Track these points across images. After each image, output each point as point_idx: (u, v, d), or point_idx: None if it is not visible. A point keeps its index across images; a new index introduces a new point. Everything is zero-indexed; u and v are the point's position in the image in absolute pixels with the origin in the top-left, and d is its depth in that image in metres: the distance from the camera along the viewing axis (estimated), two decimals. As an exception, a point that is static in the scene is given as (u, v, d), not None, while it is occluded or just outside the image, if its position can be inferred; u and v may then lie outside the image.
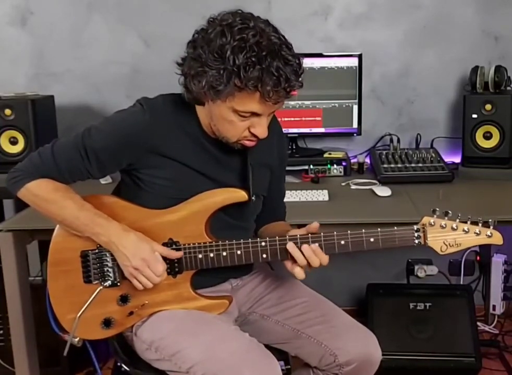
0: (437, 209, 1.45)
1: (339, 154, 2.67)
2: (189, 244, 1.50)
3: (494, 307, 2.82)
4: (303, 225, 1.52)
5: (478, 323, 2.68)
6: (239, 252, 1.49)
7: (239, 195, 1.51)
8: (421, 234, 1.46)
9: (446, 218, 1.45)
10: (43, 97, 2.62)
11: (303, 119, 2.68)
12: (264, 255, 1.49)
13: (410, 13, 2.75)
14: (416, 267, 2.77)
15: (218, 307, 1.55)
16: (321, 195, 2.25)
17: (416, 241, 1.46)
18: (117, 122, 1.50)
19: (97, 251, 1.52)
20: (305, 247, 1.44)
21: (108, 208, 1.51)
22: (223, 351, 1.41)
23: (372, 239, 1.46)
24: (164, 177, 1.50)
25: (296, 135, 2.72)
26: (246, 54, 1.30)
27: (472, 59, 2.67)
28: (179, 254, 1.49)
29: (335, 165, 2.59)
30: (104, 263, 1.52)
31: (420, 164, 2.55)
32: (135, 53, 2.79)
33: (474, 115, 2.50)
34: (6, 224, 2.01)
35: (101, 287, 1.50)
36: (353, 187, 2.43)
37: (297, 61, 1.37)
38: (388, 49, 2.78)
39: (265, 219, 1.71)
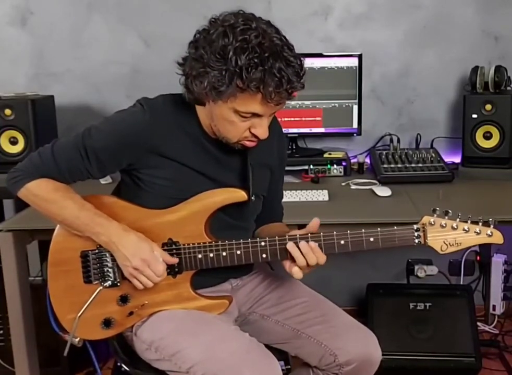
0: (437, 208, 1.45)
1: (339, 154, 2.66)
2: (188, 244, 1.50)
3: (494, 307, 2.82)
4: (303, 225, 1.52)
5: (478, 323, 2.68)
6: (238, 252, 1.49)
7: (239, 194, 1.51)
8: (421, 234, 1.46)
9: (446, 217, 1.45)
10: (43, 97, 2.62)
11: (303, 119, 2.68)
12: (264, 255, 1.49)
13: (410, 13, 2.75)
14: (416, 267, 2.77)
15: (218, 307, 1.55)
16: (321, 195, 2.25)
17: (416, 240, 1.46)
18: (117, 122, 1.50)
19: (97, 251, 1.52)
20: (302, 243, 1.44)
21: (107, 208, 1.51)
22: (223, 351, 1.41)
23: (371, 239, 1.46)
24: (164, 177, 1.50)
25: (296, 135, 2.72)
26: (248, 55, 1.30)
27: (472, 59, 2.67)
28: (175, 260, 1.49)
29: (335, 165, 2.59)
30: (104, 264, 1.52)
31: (420, 164, 2.55)
32: (135, 53, 2.79)
33: (474, 115, 2.50)
34: (6, 224, 2.01)
35: (101, 287, 1.50)
36: (353, 187, 2.43)
37: (299, 62, 1.37)
38: (388, 49, 2.78)
39: (262, 220, 1.71)
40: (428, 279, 2.75)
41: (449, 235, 1.45)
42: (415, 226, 1.46)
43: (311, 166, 2.57)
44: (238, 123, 1.41)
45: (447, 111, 2.83)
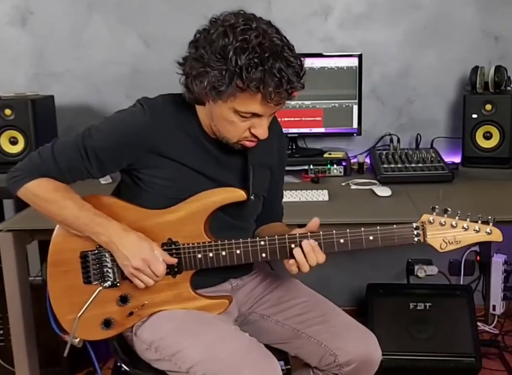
0: (436, 206, 1.45)
1: (339, 154, 2.66)
2: (188, 244, 1.50)
3: (494, 307, 2.82)
4: (303, 225, 1.52)
5: (478, 323, 2.67)
6: (238, 251, 1.49)
7: (238, 194, 1.51)
8: (420, 232, 1.46)
9: (445, 216, 1.45)
10: (43, 97, 2.62)
11: (303, 119, 2.68)
12: (264, 255, 1.49)
13: (410, 13, 2.75)
14: (416, 267, 2.77)
15: (218, 306, 1.55)
16: (321, 195, 2.25)
17: (416, 239, 1.46)
18: (117, 122, 1.50)
19: (96, 251, 1.52)
20: (305, 242, 1.45)
21: (107, 208, 1.51)
22: (223, 351, 1.41)
23: (371, 238, 1.46)
24: (164, 177, 1.50)
25: (296, 135, 2.72)
26: (248, 55, 1.30)
27: (472, 59, 2.67)
28: (174, 260, 1.49)
29: (335, 165, 2.59)
30: (104, 264, 1.52)
31: (420, 164, 2.55)
32: (135, 53, 2.79)
33: (474, 115, 2.50)
34: (6, 224, 2.01)
35: (101, 288, 1.50)
36: (353, 187, 2.43)
37: (299, 63, 1.37)
38: (388, 49, 2.78)
39: (262, 220, 1.71)
40: (428, 279, 2.75)
41: (449, 233, 1.45)
42: (414, 225, 1.46)
43: (311, 166, 2.57)
44: (238, 123, 1.41)
45: (447, 111, 2.83)
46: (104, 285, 1.51)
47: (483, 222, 1.44)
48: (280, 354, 1.64)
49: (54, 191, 1.48)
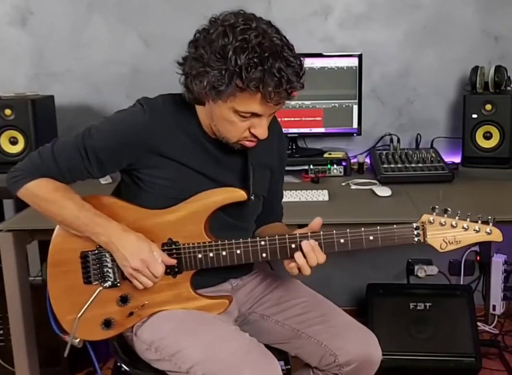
0: (436, 206, 1.45)
1: (339, 154, 2.67)
2: (188, 244, 1.50)
3: (494, 307, 2.82)
4: (303, 225, 1.52)
5: (478, 323, 2.67)
6: (238, 251, 1.49)
7: (238, 194, 1.51)
8: (420, 232, 1.46)
9: (445, 216, 1.45)
10: (43, 97, 2.62)
11: (303, 119, 2.68)
12: (264, 255, 1.49)
13: (410, 13, 2.75)
14: (416, 267, 2.77)
15: (218, 306, 1.55)
16: (321, 195, 2.25)
17: (416, 239, 1.47)
18: (117, 122, 1.50)
19: (96, 252, 1.52)
20: (304, 242, 1.45)
21: (107, 208, 1.51)
22: (223, 351, 1.41)
23: (371, 238, 1.46)
24: (164, 177, 1.50)
25: (296, 135, 2.72)
26: (248, 55, 1.30)
27: (472, 59, 2.67)
28: (172, 261, 1.49)
29: (335, 165, 2.59)
30: (104, 264, 1.52)
31: (420, 164, 2.55)
32: (135, 53, 2.79)
33: (474, 115, 2.51)
34: (6, 224, 2.01)
35: (101, 288, 1.50)
36: (353, 187, 2.43)
37: (298, 62, 1.37)
38: (388, 49, 2.78)
39: (262, 220, 1.71)
40: (428, 279, 2.75)
41: (449, 233, 1.45)
42: (414, 225, 1.46)
43: (311, 166, 2.57)
44: (238, 123, 1.41)
45: (447, 111, 2.84)
46: (104, 285, 1.51)
47: (483, 222, 1.45)
48: (280, 354, 1.64)
49: (54, 191, 1.48)
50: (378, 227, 1.46)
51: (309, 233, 1.47)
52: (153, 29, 2.77)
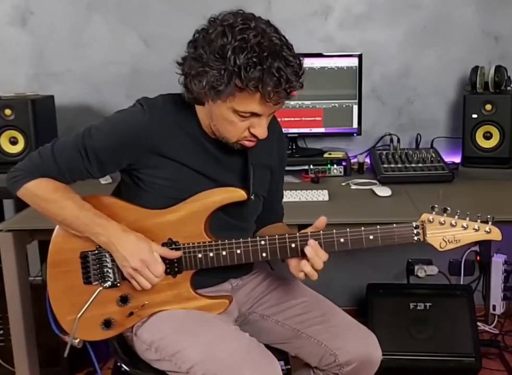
0: (436, 205, 1.45)
1: (339, 154, 2.66)
2: (188, 244, 1.50)
3: (494, 307, 2.82)
4: (303, 225, 1.52)
5: (478, 323, 2.67)
6: (238, 251, 1.49)
7: (238, 194, 1.51)
8: (420, 231, 1.46)
9: (445, 215, 1.45)
10: (43, 97, 2.63)
11: (303, 119, 2.68)
12: (264, 254, 1.49)
13: (410, 13, 2.75)
14: (416, 267, 2.77)
15: (218, 306, 1.55)
16: (321, 195, 2.25)
17: (416, 238, 1.47)
18: (117, 122, 1.50)
19: (96, 252, 1.52)
20: (307, 249, 1.45)
21: (107, 208, 1.51)
22: (224, 351, 1.41)
23: (371, 237, 1.47)
24: (164, 177, 1.50)
25: (296, 135, 2.72)
26: (247, 54, 1.30)
27: (472, 59, 2.67)
28: (178, 254, 1.49)
29: (335, 165, 2.59)
30: (104, 264, 1.52)
31: (420, 164, 2.55)
32: (135, 53, 2.79)
33: (474, 115, 2.50)
34: (6, 224, 2.01)
35: (101, 288, 1.50)
36: (353, 187, 2.43)
37: (298, 62, 1.37)
38: (388, 49, 2.78)
39: (263, 220, 1.71)
40: (428, 279, 2.75)
41: (448, 232, 1.45)
42: (414, 224, 1.47)
43: (311, 166, 2.57)
44: (237, 123, 1.41)
45: (447, 111, 2.84)
46: (104, 285, 1.51)
47: (482, 221, 1.45)
48: (280, 354, 1.64)
49: (54, 191, 1.48)
50: (378, 227, 1.47)
51: (309, 232, 1.47)
52: (153, 29, 2.77)
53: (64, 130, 2.69)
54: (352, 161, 2.70)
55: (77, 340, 1.53)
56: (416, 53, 2.79)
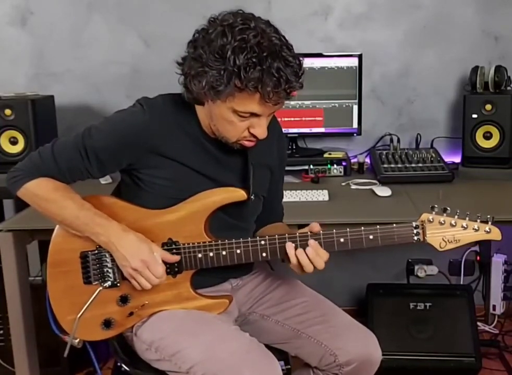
0: (436, 205, 1.45)
1: (339, 154, 2.66)
2: (188, 244, 1.50)
3: (494, 307, 2.82)
4: (303, 225, 1.52)
5: (478, 323, 2.67)
6: (238, 251, 1.49)
7: (238, 194, 1.51)
8: (420, 231, 1.46)
9: (445, 215, 1.45)
10: (43, 97, 2.63)
11: (303, 119, 2.68)
12: (264, 254, 1.49)
13: (410, 13, 2.75)
14: (416, 267, 2.77)
15: (218, 306, 1.55)
16: (321, 195, 2.25)
17: (415, 238, 1.47)
18: (117, 122, 1.50)
19: (96, 252, 1.52)
20: (308, 250, 1.45)
21: (107, 208, 1.51)
22: (224, 351, 1.41)
23: (371, 237, 1.47)
24: (164, 177, 1.50)
25: (296, 135, 2.72)
26: (247, 55, 1.30)
27: (472, 59, 2.67)
28: (177, 258, 1.49)
29: (335, 165, 2.59)
30: (104, 264, 1.52)
31: (420, 164, 2.55)
32: (135, 53, 2.79)
33: (474, 115, 2.50)
34: (6, 224, 2.01)
35: (101, 288, 1.50)
36: (353, 187, 2.43)
37: (297, 62, 1.37)
38: (388, 49, 2.78)
39: (263, 220, 1.71)
40: (428, 279, 2.75)
41: (448, 232, 1.45)
42: (414, 224, 1.47)
43: (311, 166, 2.57)
44: (237, 123, 1.41)
45: (447, 111, 2.84)
46: (104, 285, 1.51)
47: (482, 221, 1.45)
48: (280, 354, 1.64)
49: (54, 191, 1.48)
50: (378, 226, 1.47)
51: (309, 232, 1.47)
52: (153, 29, 2.77)
53: (64, 130, 2.69)
54: (352, 161, 2.70)
55: (77, 340, 1.53)
56: (416, 53, 2.79)
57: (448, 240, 1.45)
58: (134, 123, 1.47)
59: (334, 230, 1.47)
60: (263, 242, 1.49)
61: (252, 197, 1.55)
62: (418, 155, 2.59)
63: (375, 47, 2.76)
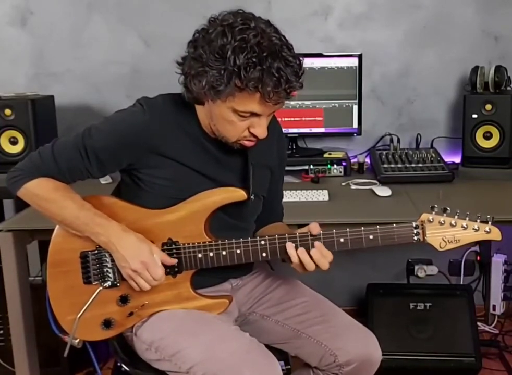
0: (436, 205, 1.45)
1: (339, 154, 2.66)
2: (188, 244, 1.50)
3: (494, 307, 2.82)
4: (303, 225, 1.52)
5: (478, 323, 2.67)
6: (238, 251, 1.49)
7: (238, 194, 1.51)
8: (420, 231, 1.46)
9: (445, 215, 1.45)
10: (43, 97, 2.63)
11: (303, 119, 2.68)
12: (264, 254, 1.49)
13: (410, 13, 2.75)
14: (416, 267, 2.77)
15: (218, 306, 1.55)
16: (321, 195, 2.25)
17: (415, 238, 1.47)
18: (117, 121, 1.50)
19: (96, 252, 1.52)
20: (313, 252, 1.45)
21: (107, 208, 1.51)
22: (224, 351, 1.41)
23: (371, 237, 1.47)
24: (164, 177, 1.50)
25: (296, 135, 2.72)
26: (247, 54, 1.31)
27: (472, 59, 2.67)
28: (174, 261, 1.49)
29: (335, 165, 2.59)
30: (104, 264, 1.52)
31: (420, 164, 2.55)
32: (135, 53, 2.79)
33: (474, 115, 2.50)
34: (6, 224, 2.01)
35: (101, 288, 1.50)
36: (353, 187, 2.43)
37: (297, 62, 1.37)
38: (388, 49, 2.78)
39: (263, 220, 1.71)
40: (428, 279, 2.75)
41: (448, 232, 1.45)
42: (414, 224, 1.47)
43: (311, 166, 2.57)
44: (237, 123, 1.41)
45: (447, 111, 2.84)
46: (104, 285, 1.51)
47: (482, 221, 1.45)
48: (280, 354, 1.64)
49: (54, 191, 1.48)
50: (378, 226, 1.47)
51: (309, 232, 1.47)
52: (153, 29, 2.77)
53: (64, 130, 2.69)
54: (352, 161, 2.70)
55: (77, 340, 1.53)
56: (416, 53, 2.79)
57: (448, 240, 1.45)
58: (134, 123, 1.47)
59: (334, 230, 1.47)
60: (263, 242, 1.49)
61: (252, 197, 1.55)
62: (418, 155, 2.59)
63: (375, 47, 2.76)
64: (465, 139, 2.55)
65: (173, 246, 1.50)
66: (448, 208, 1.45)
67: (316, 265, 1.45)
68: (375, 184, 2.43)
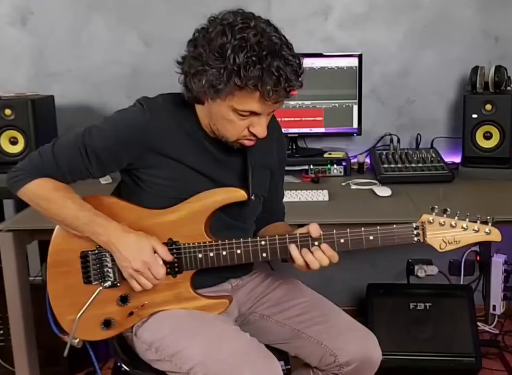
0: (436, 206, 1.45)
1: (339, 154, 2.66)
2: (188, 244, 1.50)
3: (494, 307, 2.82)
4: (303, 226, 1.52)
5: (478, 323, 2.67)
6: (238, 251, 1.49)
7: (238, 194, 1.51)
8: (420, 232, 1.46)
9: (445, 216, 1.45)
10: (43, 97, 2.63)
11: (303, 119, 2.68)
12: (264, 254, 1.49)
13: (410, 13, 2.75)
14: (416, 267, 2.78)
15: (218, 306, 1.55)
16: (321, 195, 2.25)
17: (415, 238, 1.47)
18: (117, 121, 1.50)
19: (96, 251, 1.52)
20: (317, 253, 1.45)
21: (107, 208, 1.51)
22: (224, 351, 1.41)
23: (371, 237, 1.47)
24: (164, 177, 1.50)
25: (296, 135, 2.72)
26: (246, 53, 1.31)
27: (472, 59, 2.67)
28: (171, 257, 1.48)
29: (335, 165, 2.59)
30: (104, 264, 1.52)
31: (420, 164, 2.55)
32: (135, 53, 2.79)
33: (474, 115, 2.50)
34: (6, 224, 2.01)
35: (101, 288, 1.49)
36: (353, 187, 2.43)
37: (297, 61, 1.37)
38: (388, 49, 2.78)
39: (264, 220, 1.71)
40: (428, 279, 2.75)
41: (448, 233, 1.45)
42: (414, 224, 1.47)
43: (311, 166, 2.57)
44: (237, 122, 1.41)
45: (447, 111, 2.83)
46: (104, 285, 1.51)
47: (482, 222, 1.45)
48: (280, 354, 1.64)
49: (54, 191, 1.48)
50: (378, 227, 1.47)
51: (309, 233, 1.47)
52: (153, 29, 2.77)
53: (64, 131, 2.68)
54: (352, 161, 2.69)
55: (77, 340, 1.53)
56: (416, 53, 2.79)
57: (448, 241, 1.45)
58: (134, 122, 1.47)
59: (334, 230, 1.47)
60: (263, 242, 1.49)
61: (252, 197, 1.55)
62: (418, 155, 2.59)
63: (375, 47, 2.76)
64: (465, 139, 2.55)
65: (174, 246, 1.50)
66: (448, 209, 1.45)
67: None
68: (375, 184, 2.43)
